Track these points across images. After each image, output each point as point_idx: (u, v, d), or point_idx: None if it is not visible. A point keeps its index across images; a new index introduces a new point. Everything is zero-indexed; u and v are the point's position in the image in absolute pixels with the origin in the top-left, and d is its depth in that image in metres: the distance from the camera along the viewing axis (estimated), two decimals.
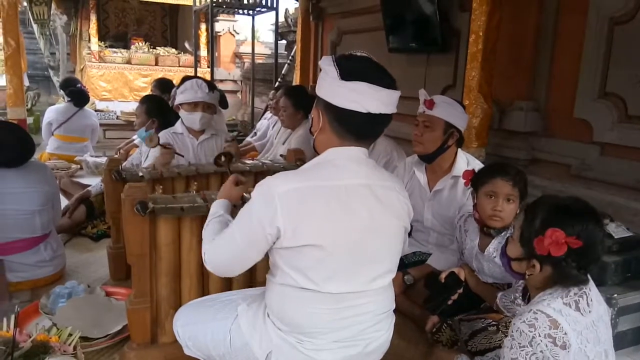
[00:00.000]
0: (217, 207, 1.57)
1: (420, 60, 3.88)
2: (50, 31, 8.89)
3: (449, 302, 1.82)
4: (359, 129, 1.31)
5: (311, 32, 5.27)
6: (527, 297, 1.46)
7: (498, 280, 1.93)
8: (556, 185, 2.87)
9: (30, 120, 6.24)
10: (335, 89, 1.27)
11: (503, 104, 3.21)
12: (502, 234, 1.90)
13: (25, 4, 4.63)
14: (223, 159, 2.33)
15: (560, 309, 1.23)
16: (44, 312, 2.17)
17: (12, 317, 1.90)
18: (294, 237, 1.25)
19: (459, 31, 3.52)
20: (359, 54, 1.35)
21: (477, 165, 2.27)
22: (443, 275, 1.86)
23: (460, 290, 1.81)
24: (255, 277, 1.94)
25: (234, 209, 1.59)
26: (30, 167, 2.54)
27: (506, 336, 1.33)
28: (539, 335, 1.20)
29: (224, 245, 1.38)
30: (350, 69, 1.27)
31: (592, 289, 1.30)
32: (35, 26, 8.56)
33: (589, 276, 1.31)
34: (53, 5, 7.41)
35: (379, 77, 1.28)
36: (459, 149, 2.31)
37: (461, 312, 1.92)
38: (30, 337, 1.81)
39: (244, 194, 1.67)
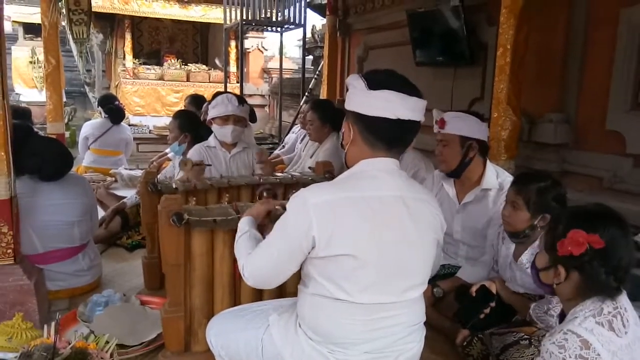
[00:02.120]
0: (243, 224, 1.62)
1: (448, 73, 3.89)
2: (87, 49, 9.26)
3: (481, 316, 1.81)
4: (389, 136, 1.34)
5: (338, 47, 5.34)
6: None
7: (530, 290, 1.91)
8: (588, 198, 2.82)
9: (67, 134, 6.47)
10: (364, 100, 1.32)
11: (533, 116, 3.18)
12: (537, 243, 1.89)
13: (64, 23, 4.83)
14: (265, 194, 2.37)
15: (592, 329, 1.19)
16: (82, 320, 2.24)
17: (53, 324, 1.98)
18: (327, 247, 1.28)
19: (487, 44, 3.52)
20: (383, 69, 1.39)
21: (507, 177, 2.26)
22: (474, 289, 1.85)
23: (493, 304, 1.80)
24: (285, 287, 1.97)
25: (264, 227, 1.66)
26: (69, 180, 2.65)
27: (538, 351, 1.31)
28: (570, 357, 1.17)
29: (262, 258, 1.41)
30: (377, 80, 1.32)
31: (628, 309, 1.26)
32: (73, 44, 8.92)
33: (624, 294, 1.27)
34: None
35: (405, 86, 1.32)
36: (488, 162, 2.31)
37: (492, 326, 1.91)
38: (69, 344, 1.88)
39: (276, 207, 1.72)
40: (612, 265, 1.22)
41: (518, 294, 1.91)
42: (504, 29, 2.66)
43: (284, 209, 1.39)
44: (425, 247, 1.39)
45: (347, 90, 1.39)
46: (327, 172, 2.78)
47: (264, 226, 1.68)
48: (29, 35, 10.32)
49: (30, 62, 9.88)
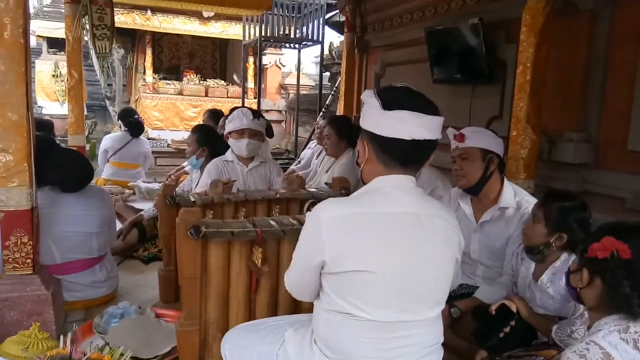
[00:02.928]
0: None
1: (466, 91, 3.87)
2: (108, 64, 9.47)
3: (500, 335, 1.77)
4: (404, 156, 1.32)
5: (355, 64, 5.37)
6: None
7: (550, 312, 1.87)
8: (610, 219, 2.76)
9: (87, 147, 6.59)
10: (379, 119, 1.31)
11: (552, 135, 3.15)
12: (558, 263, 1.86)
13: (87, 38, 4.95)
14: (311, 209, 2.37)
15: (616, 344, 1.16)
16: (98, 332, 2.25)
17: (69, 335, 1.99)
18: (339, 263, 1.27)
19: (506, 62, 3.51)
20: (399, 85, 1.38)
21: (525, 196, 2.23)
22: (493, 307, 1.82)
23: (513, 323, 1.76)
24: (301, 302, 1.96)
25: None
26: (89, 192, 2.69)
27: None
28: None
29: (291, 272, 1.46)
30: (391, 99, 1.30)
31: None
32: (95, 59, 9.13)
33: None
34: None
35: (420, 104, 1.31)
36: (506, 180, 2.28)
37: (511, 347, 1.86)
38: (84, 355, 1.89)
39: None
40: (637, 280, 1.19)
41: (540, 314, 1.87)
42: (524, 47, 2.65)
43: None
44: (442, 264, 1.36)
45: (362, 106, 1.40)
46: (343, 188, 2.78)
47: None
48: (53, 50, 10.61)
49: (53, 76, 10.13)
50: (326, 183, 3.19)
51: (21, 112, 2.20)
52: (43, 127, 4.24)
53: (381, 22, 5.05)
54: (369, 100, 1.34)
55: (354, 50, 5.24)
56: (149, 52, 8.76)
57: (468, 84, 3.83)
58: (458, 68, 3.80)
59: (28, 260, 2.27)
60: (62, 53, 8.34)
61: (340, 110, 5.29)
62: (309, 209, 2.32)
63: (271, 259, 1.94)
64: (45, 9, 10.57)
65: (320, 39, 6.80)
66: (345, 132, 3.61)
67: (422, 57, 4.18)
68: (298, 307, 1.96)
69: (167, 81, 8.79)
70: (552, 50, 2.70)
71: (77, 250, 2.58)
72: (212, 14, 8.05)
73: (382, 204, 1.31)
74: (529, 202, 2.14)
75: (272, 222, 1.96)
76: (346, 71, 5.20)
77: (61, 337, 2.01)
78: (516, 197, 2.22)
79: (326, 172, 3.80)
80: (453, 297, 2.20)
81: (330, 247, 1.27)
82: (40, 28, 9.69)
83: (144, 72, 8.76)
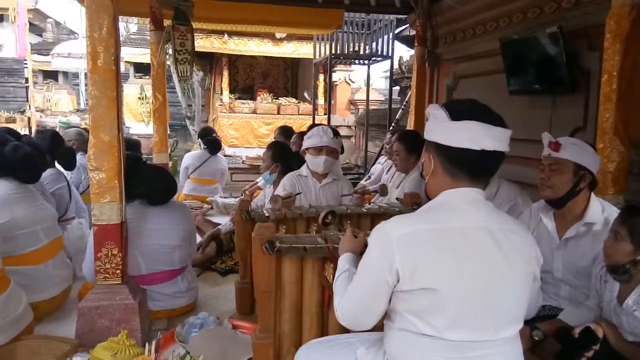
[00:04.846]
0: (344, 262, 1.61)
1: (545, 101, 3.70)
2: (189, 86, 10.05)
3: None
4: (472, 167, 1.30)
5: (426, 77, 5.30)
6: None
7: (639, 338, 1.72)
8: None
9: (169, 164, 7.00)
10: (446, 130, 1.29)
11: None
12: None
13: (169, 62, 5.30)
14: (330, 217, 2.39)
15: None
16: (179, 340, 2.37)
17: (154, 343, 2.11)
18: (411, 281, 1.25)
19: (589, 71, 3.32)
20: (465, 99, 1.37)
21: (614, 211, 2.08)
22: (577, 330, 1.70)
23: (596, 347, 1.64)
24: None
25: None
26: (172, 206, 2.85)
27: None
28: None
29: (351, 298, 1.40)
30: (459, 110, 1.29)
31: None
32: (176, 82, 9.73)
33: None
34: None
35: (489, 115, 1.28)
36: (593, 194, 2.14)
37: None
38: None
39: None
40: None
41: (629, 341, 1.72)
42: (608, 55, 2.50)
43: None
44: (517, 280, 1.30)
45: (427, 120, 1.38)
46: (414, 203, 2.75)
47: None
48: (139, 74, 11.45)
49: (139, 98, 10.91)
50: (397, 198, 3.16)
51: (113, 133, 2.39)
52: (131, 146, 4.55)
53: (453, 35, 4.97)
54: (435, 112, 1.33)
55: (424, 63, 5.18)
56: (225, 73, 9.20)
57: (547, 94, 3.65)
58: (536, 78, 3.64)
59: (117, 271, 2.45)
60: (148, 77, 8.97)
61: (410, 125, 5.24)
62: (325, 218, 2.32)
63: None
64: (132, 36, 11.45)
65: (389, 54, 6.80)
66: (415, 147, 3.57)
67: (496, 68, 4.05)
68: None
69: (242, 100, 9.17)
70: None
71: (161, 262, 2.74)
72: (284, 35, 8.33)
73: (452, 219, 1.28)
74: None
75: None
76: (417, 85, 5.15)
77: (146, 344, 2.14)
78: (604, 213, 2.07)
79: (396, 187, 3.77)
80: (535, 319, 2.08)
81: (403, 265, 1.25)
82: (128, 54, 10.47)
83: (221, 93, 9.21)
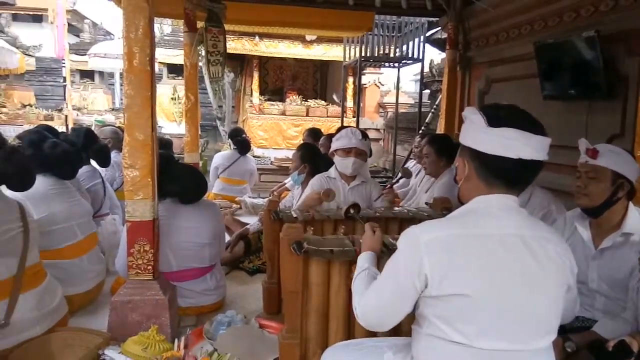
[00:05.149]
0: (363, 261, 1.61)
1: (580, 107, 3.61)
2: (220, 87, 10.20)
3: None
4: (508, 175, 1.27)
5: (457, 81, 5.24)
6: None
7: None
8: None
9: (200, 164, 7.11)
10: (483, 136, 1.27)
11: None
12: None
13: (201, 64, 5.39)
14: (352, 211, 2.39)
15: None
16: (207, 337, 2.40)
17: (183, 339, 2.15)
18: (440, 286, 1.24)
19: (627, 76, 3.22)
20: (504, 103, 1.34)
21: None
22: (611, 343, 1.66)
23: None
24: (401, 325, 1.93)
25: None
26: (202, 205, 2.90)
27: None
28: None
29: (374, 299, 1.39)
30: (498, 116, 1.26)
31: None
32: (208, 83, 9.89)
33: None
34: None
35: (529, 123, 1.26)
36: (631, 204, 2.08)
37: None
38: (195, 359, 2.03)
39: (385, 240, 1.71)
40: None
41: None
42: None
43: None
44: (551, 290, 1.28)
45: (463, 123, 1.36)
46: (444, 208, 2.72)
47: None
48: (172, 75, 11.69)
49: (172, 99, 11.12)
50: (427, 203, 3.13)
51: (147, 132, 2.45)
52: (164, 145, 4.65)
53: (486, 38, 4.90)
54: (472, 116, 1.31)
55: (456, 67, 5.13)
56: (255, 75, 9.30)
57: (583, 99, 3.56)
58: (572, 83, 3.56)
59: (149, 267, 2.50)
60: (180, 78, 9.14)
61: (440, 129, 5.19)
62: (348, 212, 2.31)
63: None
64: (165, 37, 11.70)
65: (420, 57, 6.75)
66: (445, 150, 3.53)
67: (530, 72, 3.98)
68: (397, 329, 1.93)
69: (272, 102, 9.25)
70: None
71: (191, 260, 2.78)
72: (314, 37, 8.36)
73: (485, 225, 1.26)
74: None
75: None
76: (447, 88, 5.10)
77: (175, 340, 2.18)
78: None
79: (426, 191, 3.74)
80: (568, 330, 2.03)
81: (432, 270, 1.23)
82: (162, 55, 10.71)
83: (251, 94, 9.31)
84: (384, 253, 1.74)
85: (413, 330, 1.39)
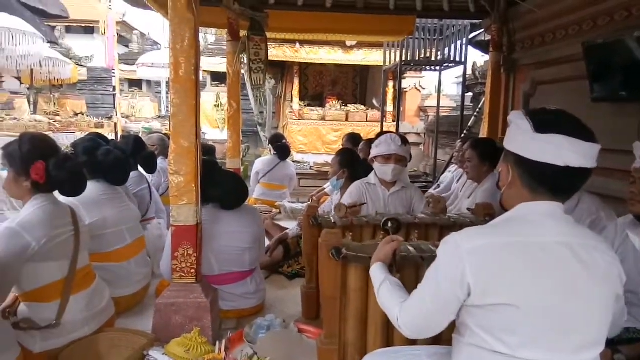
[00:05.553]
0: (378, 272, 1.62)
1: (632, 110, 3.45)
2: (261, 94, 10.38)
3: None
4: (555, 183, 1.24)
5: (502, 84, 5.11)
6: None
7: None
8: None
9: (241, 169, 7.24)
10: (529, 142, 1.23)
11: None
12: None
13: (243, 71, 5.50)
14: (390, 224, 2.33)
15: None
16: (247, 341, 2.43)
17: (224, 342, 2.19)
18: (484, 296, 1.21)
19: None
20: (552, 108, 1.29)
21: None
22: None
23: None
24: (441, 334, 1.90)
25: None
26: (243, 210, 2.95)
27: None
28: None
29: (415, 308, 1.38)
30: (546, 121, 1.23)
31: None
32: (250, 90, 10.08)
33: None
34: None
35: (577, 129, 1.21)
36: None
37: None
38: None
39: (396, 251, 1.70)
40: None
41: None
42: None
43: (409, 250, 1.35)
44: (599, 299, 1.23)
45: (508, 127, 1.33)
46: (487, 214, 2.66)
47: None
48: (215, 82, 11.98)
49: (215, 106, 11.40)
50: (469, 209, 3.06)
51: (191, 139, 2.52)
52: (207, 152, 4.76)
53: (531, 39, 4.77)
54: (518, 121, 1.28)
55: (500, 69, 5.01)
56: (296, 81, 9.41)
57: (635, 102, 3.41)
58: (623, 85, 3.41)
59: (192, 270, 2.56)
60: (223, 85, 9.36)
61: (484, 133, 5.07)
62: (385, 224, 2.27)
63: (409, 285, 1.92)
64: (209, 46, 12.01)
65: (463, 60, 6.64)
66: (488, 155, 3.45)
67: (578, 74, 3.84)
68: (438, 337, 1.90)
69: (312, 108, 9.33)
70: None
71: (232, 263, 2.84)
72: (354, 42, 8.38)
73: (530, 233, 1.23)
74: None
75: (410, 248, 1.94)
76: (491, 91, 4.98)
77: (217, 342, 2.22)
78: None
79: (468, 197, 3.66)
80: (618, 342, 1.94)
81: (475, 279, 1.21)
82: (205, 64, 10.98)
83: (291, 100, 9.42)
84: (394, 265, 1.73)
85: (454, 339, 1.38)
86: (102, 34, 9.22)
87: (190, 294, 2.54)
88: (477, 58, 9.06)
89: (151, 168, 4.09)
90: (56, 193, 2.32)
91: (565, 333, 1.21)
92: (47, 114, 8.84)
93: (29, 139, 2.20)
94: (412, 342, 1.90)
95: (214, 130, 11.23)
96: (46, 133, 5.88)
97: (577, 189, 1.29)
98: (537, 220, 1.24)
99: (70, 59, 11.19)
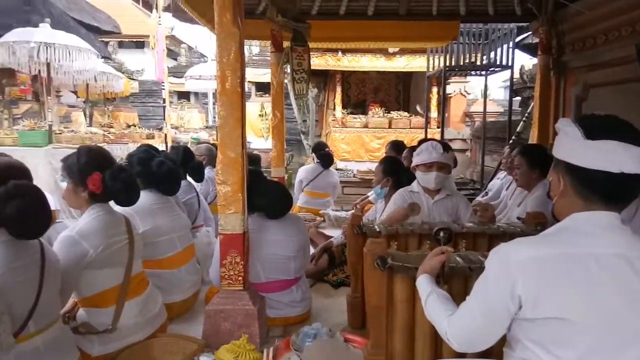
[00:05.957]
0: (425, 285, 1.60)
1: None
2: (304, 103, 10.49)
3: None
4: (609, 191, 1.20)
5: (551, 87, 4.95)
6: None
7: None
8: None
9: (285, 177, 7.33)
10: (579, 150, 1.20)
11: None
12: None
13: (286, 81, 5.58)
14: (442, 234, 2.29)
15: None
16: (294, 349, 2.45)
17: (271, 349, 2.22)
18: (535, 309, 1.18)
19: None
20: (601, 114, 1.26)
21: None
22: None
23: None
24: (491, 347, 1.86)
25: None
26: (288, 219, 2.99)
27: None
28: None
29: (463, 321, 1.36)
30: (597, 127, 1.20)
31: None
32: (293, 99, 10.20)
33: None
34: None
35: (631, 134, 1.17)
36: None
37: None
38: None
39: (445, 262, 1.68)
40: None
41: None
42: None
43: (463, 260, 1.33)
44: None
45: (557, 135, 1.29)
46: (538, 224, 2.57)
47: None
48: (259, 92, 12.22)
49: (260, 115, 11.60)
50: (519, 218, 2.98)
51: (238, 150, 2.59)
52: (253, 161, 4.85)
53: (582, 41, 4.61)
54: (567, 129, 1.25)
55: (549, 72, 4.86)
56: (338, 89, 9.45)
57: None
58: None
59: (240, 278, 2.62)
60: (267, 95, 9.52)
61: (533, 138, 4.92)
62: (437, 234, 2.21)
63: (457, 297, 1.89)
64: (254, 58, 12.27)
65: (509, 64, 6.47)
66: (538, 161, 3.34)
67: (632, 76, 3.69)
68: (488, 351, 1.85)
69: (354, 115, 9.33)
70: None
71: (278, 271, 2.88)
72: (397, 49, 8.34)
73: (584, 244, 1.19)
74: None
75: (458, 258, 1.91)
76: (540, 95, 4.83)
77: (264, 350, 2.26)
78: None
79: (518, 205, 3.55)
80: None
81: (526, 291, 1.19)
82: (250, 75, 11.22)
83: (334, 108, 9.46)
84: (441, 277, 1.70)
85: (505, 353, 1.35)
86: (152, 48, 9.57)
87: (239, 301, 2.59)
88: (525, 61, 8.82)
89: (199, 177, 4.22)
90: (112, 203, 2.43)
91: (622, 347, 1.16)
92: (101, 126, 9.27)
93: (86, 152, 2.32)
94: (462, 355, 1.86)
95: (259, 140, 11.43)
96: (101, 144, 6.18)
97: (633, 196, 1.24)
98: (591, 230, 1.21)
99: (123, 73, 11.70)
